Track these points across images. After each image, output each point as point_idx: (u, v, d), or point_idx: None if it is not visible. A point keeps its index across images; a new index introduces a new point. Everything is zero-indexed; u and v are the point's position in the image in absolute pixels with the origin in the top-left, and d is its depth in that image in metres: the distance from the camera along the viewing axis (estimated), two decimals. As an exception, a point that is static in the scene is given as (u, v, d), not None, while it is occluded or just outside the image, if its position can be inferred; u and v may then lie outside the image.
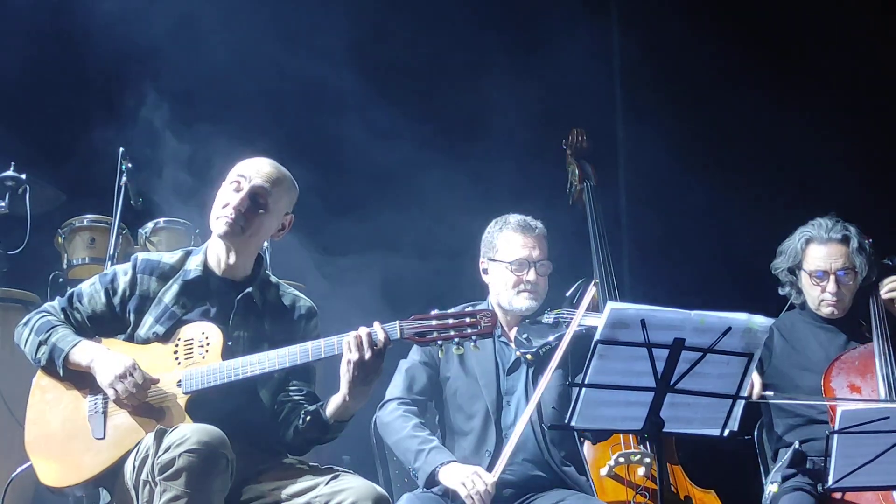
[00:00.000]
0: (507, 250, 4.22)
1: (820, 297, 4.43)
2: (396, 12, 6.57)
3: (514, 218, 4.29)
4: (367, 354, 3.27)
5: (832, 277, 4.38)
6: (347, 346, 3.28)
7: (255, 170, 3.55)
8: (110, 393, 3.39)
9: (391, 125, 6.40)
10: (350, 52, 6.43)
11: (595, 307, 4.56)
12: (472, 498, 3.83)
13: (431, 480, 3.97)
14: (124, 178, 5.23)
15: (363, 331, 3.28)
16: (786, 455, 4.30)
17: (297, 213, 3.68)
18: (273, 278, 3.72)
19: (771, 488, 4.23)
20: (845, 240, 4.38)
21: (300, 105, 6.50)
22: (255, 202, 3.52)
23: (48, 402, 3.51)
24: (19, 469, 4.05)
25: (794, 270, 4.52)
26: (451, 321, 3.31)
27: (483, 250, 4.33)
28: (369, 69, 6.53)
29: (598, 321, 3.97)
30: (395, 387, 4.21)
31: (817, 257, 4.41)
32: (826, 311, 4.44)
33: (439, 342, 3.30)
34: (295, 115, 6.45)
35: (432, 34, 6.56)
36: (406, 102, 6.47)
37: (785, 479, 4.24)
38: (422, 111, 6.50)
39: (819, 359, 4.38)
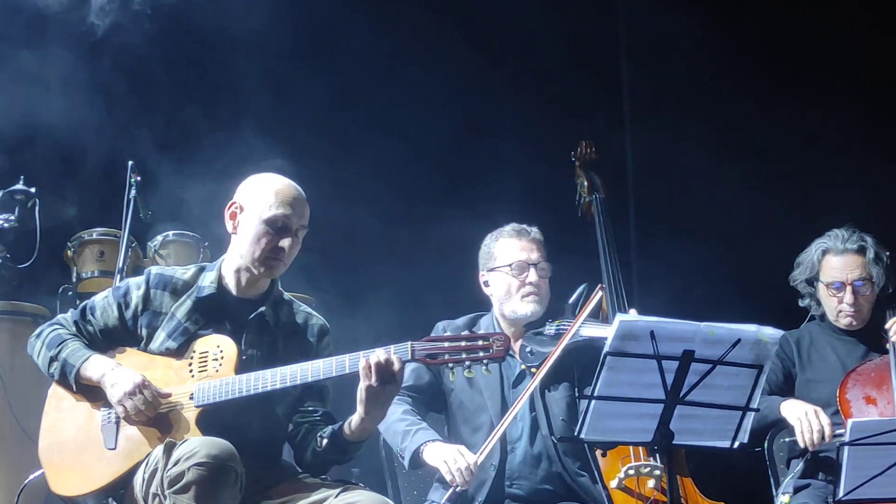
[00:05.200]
0: (506, 255, 4.24)
1: (837, 308, 4.43)
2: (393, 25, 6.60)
3: (509, 226, 4.32)
4: (383, 381, 3.26)
5: (849, 288, 4.37)
6: (364, 373, 3.27)
7: (299, 210, 3.52)
8: (119, 410, 3.39)
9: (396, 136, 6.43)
10: (360, 70, 6.46)
11: (605, 319, 4.56)
12: (451, 474, 3.84)
13: (416, 459, 3.98)
14: (133, 192, 5.24)
15: (376, 357, 3.27)
16: (798, 466, 4.30)
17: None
18: (286, 295, 3.70)
19: (782, 499, 4.23)
20: (861, 250, 4.38)
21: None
22: (296, 241, 3.54)
23: (63, 410, 3.52)
24: (31, 476, 4.06)
25: (811, 282, 4.52)
26: (463, 344, 3.29)
27: (481, 263, 4.34)
28: (378, 84, 6.55)
29: (602, 331, 4.03)
30: None
31: (834, 268, 4.41)
32: (844, 322, 4.44)
33: (450, 364, 3.30)
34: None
35: (435, 46, 6.59)
36: (409, 113, 6.48)
37: (797, 490, 4.23)
38: (427, 121, 6.51)
39: (836, 370, 4.38)
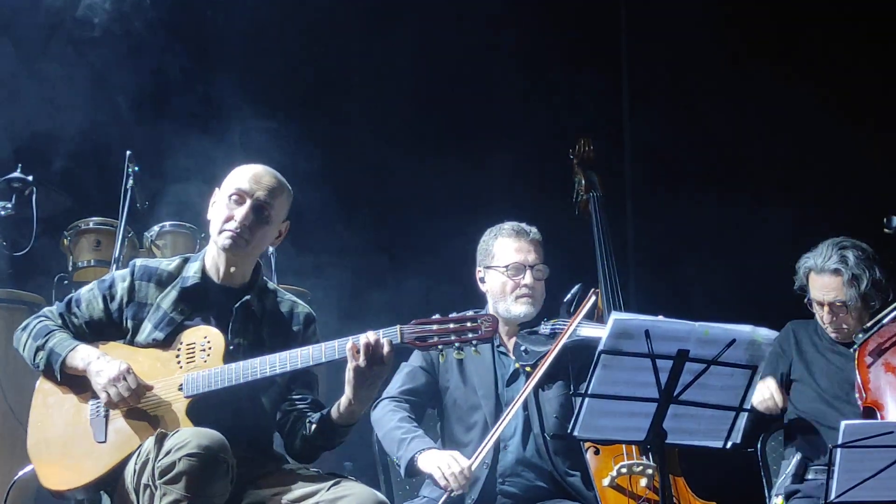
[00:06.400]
0: (503, 255, 4.23)
1: (823, 324, 4.48)
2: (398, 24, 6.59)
3: (509, 224, 4.31)
4: (371, 362, 3.27)
5: (826, 307, 4.41)
6: (351, 354, 3.28)
7: (255, 182, 3.53)
8: (103, 396, 3.40)
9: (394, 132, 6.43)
10: (360, 66, 6.47)
11: (599, 318, 4.56)
12: (446, 479, 3.84)
13: (411, 467, 3.98)
14: (130, 182, 5.24)
15: (365, 338, 3.28)
16: (790, 467, 4.31)
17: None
18: (271, 284, 3.72)
19: (776, 501, 4.24)
20: (837, 272, 4.37)
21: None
22: (259, 215, 3.52)
23: (50, 405, 3.52)
24: (21, 472, 4.06)
25: (805, 291, 4.55)
26: (451, 326, 3.31)
27: (479, 259, 4.34)
28: (377, 80, 6.54)
29: (598, 332, 4.03)
30: (392, 386, 4.22)
31: (814, 287, 4.45)
32: (831, 335, 4.48)
33: (440, 346, 3.31)
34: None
35: (440, 43, 6.58)
36: (409, 109, 6.48)
37: (789, 495, 4.25)
38: (426, 119, 6.51)
39: (829, 370, 4.42)
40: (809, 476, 4.28)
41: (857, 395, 4.20)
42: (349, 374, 3.32)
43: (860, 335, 4.28)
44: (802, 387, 4.46)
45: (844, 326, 4.39)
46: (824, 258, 4.41)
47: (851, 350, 4.31)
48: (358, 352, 3.28)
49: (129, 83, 6.01)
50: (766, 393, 4.32)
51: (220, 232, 3.52)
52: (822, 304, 4.41)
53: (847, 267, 4.35)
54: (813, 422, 4.36)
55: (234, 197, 3.52)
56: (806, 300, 4.50)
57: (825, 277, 4.39)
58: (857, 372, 4.22)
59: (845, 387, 4.33)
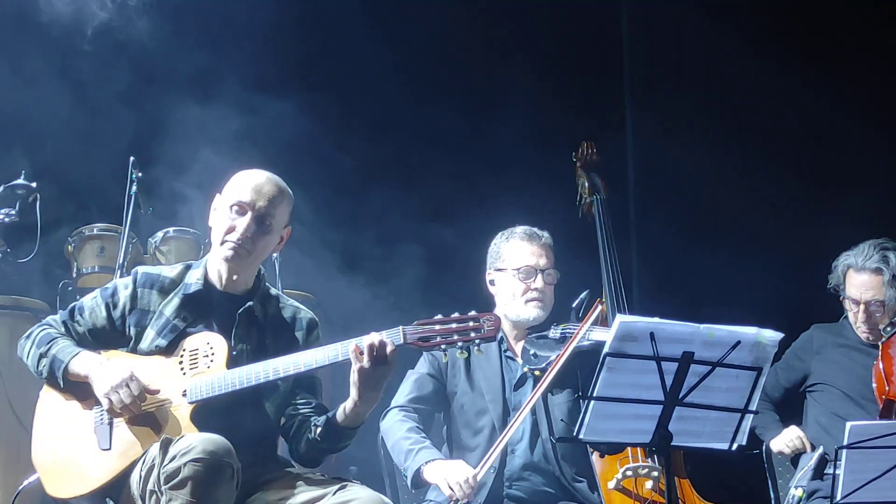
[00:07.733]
0: (514, 258, 4.24)
1: (855, 323, 4.50)
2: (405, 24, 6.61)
3: (521, 228, 4.33)
4: (375, 363, 3.27)
5: (862, 307, 4.46)
6: (355, 356, 3.28)
7: (256, 191, 3.52)
8: (105, 403, 3.39)
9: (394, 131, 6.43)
10: (361, 79, 6.48)
11: (604, 322, 4.56)
12: (451, 488, 3.85)
13: (417, 478, 3.99)
14: (134, 187, 5.25)
15: (368, 339, 3.29)
16: (811, 460, 4.33)
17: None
18: (273, 290, 3.72)
19: (795, 493, 4.26)
20: (878, 271, 4.42)
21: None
22: (261, 226, 3.52)
23: (54, 414, 3.52)
24: (26, 481, 4.06)
25: (838, 290, 4.57)
26: (454, 325, 3.31)
27: (489, 261, 4.35)
28: (378, 79, 6.55)
29: (606, 336, 4.02)
30: (400, 395, 4.24)
31: (852, 284, 4.49)
32: (861, 336, 4.53)
33: (443, 346, 3.31)
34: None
35: (445, 37, 6.58)
36: (410, 106, 6.49)
37: (811, 493, 4.27)
38: (426, 116, 6.51)
39: (853, 368, 4.46)
40: (829, 471, 4.30)
41: (874, 385, 4.22)
42: (354, 376, 3.32)
43: (888, 329, 4.31)
44: (826, 387, 4.50)
45: (881, 322, 4.42)
46: (865, 257, 4.45)
47: (879, 343, 4.34)
48: (361, 353, 3.27)
49: (130, 85, 6.01)
50: (792, 435, 4.48)
51: (223, 243, 3.52)
52: (857, 303, 4.45)
53: (889, 267, 4.41)
54: (837, 419, 4.38)
55: (235, 208, 3.52)
56: (841, 298, 4.53)
57: (865, 275, 4.43)
58: (880, 362, 4.24)
59: (871, 386, 4.35)
